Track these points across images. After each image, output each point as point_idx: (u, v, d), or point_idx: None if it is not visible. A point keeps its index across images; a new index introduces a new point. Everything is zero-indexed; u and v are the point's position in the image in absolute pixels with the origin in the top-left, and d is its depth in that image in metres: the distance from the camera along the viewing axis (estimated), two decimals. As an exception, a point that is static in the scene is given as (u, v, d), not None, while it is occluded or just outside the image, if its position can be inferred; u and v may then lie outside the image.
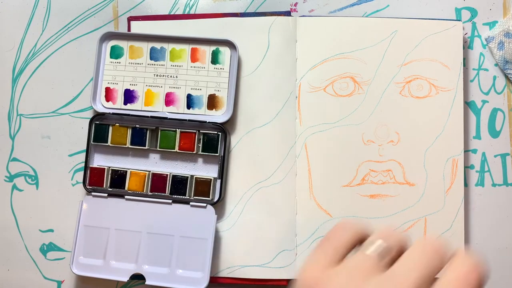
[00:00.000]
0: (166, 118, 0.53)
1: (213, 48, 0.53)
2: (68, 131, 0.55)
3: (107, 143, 0.53)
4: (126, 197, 0.53)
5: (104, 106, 0.54)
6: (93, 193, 0.53)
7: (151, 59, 0.54)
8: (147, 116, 0.53)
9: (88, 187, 0.53)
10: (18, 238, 0.55)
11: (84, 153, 0.54)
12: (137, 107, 0.53)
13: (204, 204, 0.52)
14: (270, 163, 0.53)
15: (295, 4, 0.55)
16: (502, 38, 0.51)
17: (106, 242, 0.52)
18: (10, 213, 0.56)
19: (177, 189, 0.52)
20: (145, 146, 0.53)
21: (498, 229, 0.54)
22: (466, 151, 0.54)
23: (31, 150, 0.56)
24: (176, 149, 0.53)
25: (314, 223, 0.52)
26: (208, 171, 0.53)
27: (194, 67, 0.53)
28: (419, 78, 0.53)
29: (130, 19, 0.55)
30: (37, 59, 0.56)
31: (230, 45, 0.53)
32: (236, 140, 0.53)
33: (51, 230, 0.55)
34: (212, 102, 0.53)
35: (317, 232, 0.52)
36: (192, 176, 0.53)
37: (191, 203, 0.52)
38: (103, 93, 0.54)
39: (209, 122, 0.52)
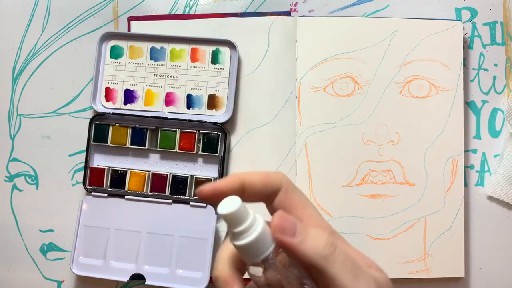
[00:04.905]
0: (166, 118, 0.53)
1: (213, 48, 0.53)
2: (68, 131, 0.55)
3: (107, 143, 0.53)
4: (126, 197, 0.53)
5: (104, 106, 0.54)
6: (93, 193, 0.53)
7: (151, 59, 0.54)
8: (147, 116, 0.53)
9: (88, 187, 0.53)
10: (18, 238, 0.55)
11: (84, 153, 0.54)
12: (137, 107, 0.53)
13: (204, 204, 0.52)
14: (270, 163, 0.53)
15: (295, 4, 0.55)
16: None
17: (106, 242, 0.52)
18: (10, 213, 0.56)
19: (177, 189, 0.52)
20: (145, 146, 0.53)
21: (498, 229, 0.54)
22: (466, 151, 0.54)
23: (31, 150, 0.56)
24: (176, 149, 0.53)
25: (314, 223, 0.52)
26: (208, 171, 0.53)
27: (194, 67, 0.53)
28: (419, 78, 0.53)
29: (130, 19, 0.55)
30: (37, 59, 0.56)
31: (230, 45, 0.53)
32: (236, 140, 0.53)
33: (51, 230, 0.55)
34: (212, 102, 0.53)
35: (317, 232, 0.52)
36: (192, 176, 0.53)
37: (191, 203, 0.52)
38: (103, 93, 0.54)
39: (209, 122, 0.52)
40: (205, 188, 0.26)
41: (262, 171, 0.28)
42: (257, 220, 0.25)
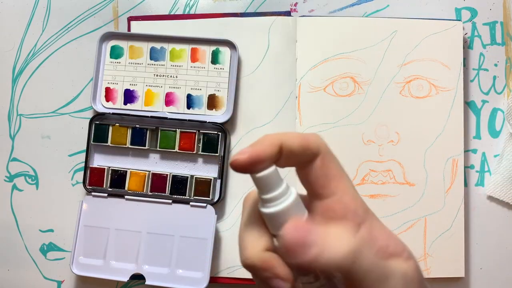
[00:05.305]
0: (166, 118, 0.53)
1: (213, 48, 0.53)
2: (68, 131, 0.55)
3: (107, 143, 0.53)
4: (126, 197, 0.53)
5: (104, 106, 0.54)
6: (93, 193, 0.53)
7: (151, 59, 0.54)
8: (147, 116, 0.53)
9: (88, 187, 0.53)
10: (18, 238, 0.55)
11: (84, 153, 0.54)
12: (137, 107, 0.53)
13: (204, 204, 0.52)
14: (270, 163, 0.53)
15: (295, 4, 0.55)
16: None
17: (106, 242, 0.52)
18: (10, 213, 0.56)
19: (177, 189, 0.52)
20: (145, 146, 0.53)
21: (498, 229, 0.54)
22: (466, 151, 0.54)
23: (31, 150, 0.56)
24: (176, 149, 0.53)
25: (314, 223, 0.52)
26: (208, 171, 0.53)
27: (194, 67, 0.53)
28: (419, 78, 0.53)
29: (130, 19, 0.55)
30: (37, 59, 0.56)
31: (230, 45, 0.53)
32: (236, 140, 0.53)
33: (51, 230, 0.55)
34: (212, 102, 0.53)
35: (317, 232, 0.52)
36: (192, 176, 0.53)
37: (191, 203, 0.52)
38: (103, 93, 0.54)
39: (209, 122, 0.52)
40: (241, 157, 0.22)
41: (299, 133, 0.24)
42: (290, 189, 0.23)
